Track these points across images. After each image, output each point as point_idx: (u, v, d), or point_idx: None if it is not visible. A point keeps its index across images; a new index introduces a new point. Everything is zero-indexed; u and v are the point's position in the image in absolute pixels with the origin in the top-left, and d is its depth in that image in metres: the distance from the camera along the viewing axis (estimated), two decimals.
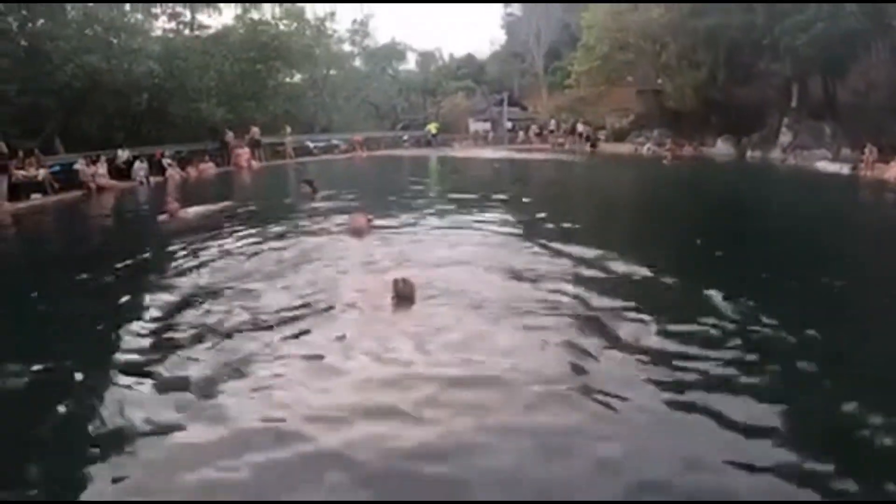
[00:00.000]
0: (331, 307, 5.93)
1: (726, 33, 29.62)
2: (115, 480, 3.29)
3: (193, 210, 12.40)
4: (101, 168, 20.98)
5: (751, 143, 30.64)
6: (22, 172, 17.99)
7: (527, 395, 4.03)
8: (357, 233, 9.04)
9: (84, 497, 3.25)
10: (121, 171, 22.08)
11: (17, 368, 4.75)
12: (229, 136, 27.45)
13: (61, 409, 4.13)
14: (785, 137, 28.51)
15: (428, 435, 3.58)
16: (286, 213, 12.18)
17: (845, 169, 23.18)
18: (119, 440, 3.64)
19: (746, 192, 17.54)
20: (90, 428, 3.82)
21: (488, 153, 33.95)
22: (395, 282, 5.87)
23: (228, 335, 5.23)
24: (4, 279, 8.52)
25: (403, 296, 5.80)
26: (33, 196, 17.87)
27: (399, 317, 5.62)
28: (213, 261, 8.04)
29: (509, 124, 47.14)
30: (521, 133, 45.14)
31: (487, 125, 48.93)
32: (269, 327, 5.47)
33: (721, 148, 32.02)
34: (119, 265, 8.17)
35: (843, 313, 5.95)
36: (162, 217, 11.91)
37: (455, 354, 4.72)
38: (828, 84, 28.37)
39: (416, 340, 4.97)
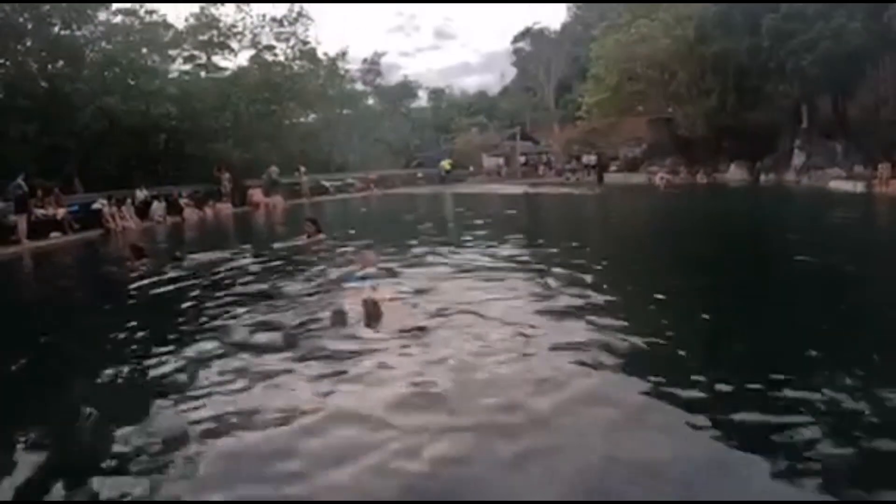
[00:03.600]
0: (302, 327, 6.13)
1: (733, 58, 29.89)
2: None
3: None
4: (127, 210, 21.36)
5: (764, 166, 30.63)
6: (41, 211, 18.34)
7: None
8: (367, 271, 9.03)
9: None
10: (139, 211, 22.40)
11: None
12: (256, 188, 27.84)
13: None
14: (797, 159, 28.52)
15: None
16: (285, 252, 11.93)
17: (859, 187, 23.03)
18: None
19: (754, 220, 16.53)
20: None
21: (501, 188, 34.00)
22: (365, 302, 6.20)
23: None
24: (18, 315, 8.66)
25: (372, 315, 6.10)
26: (52, 234, 18.11)
27: (367, 334, 5.77)
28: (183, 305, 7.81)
29: (522, 158, 47.45)
30: (541, 167, 45.39)
31: (501, 160, 49.25)
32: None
33: (734, 173, 32.05)
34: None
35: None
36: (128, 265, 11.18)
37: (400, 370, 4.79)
38: (837, 102, 28.48)
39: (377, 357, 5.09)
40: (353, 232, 13.97)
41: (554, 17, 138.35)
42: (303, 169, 31.75)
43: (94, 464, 3.56)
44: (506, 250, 10.55)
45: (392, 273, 8.68)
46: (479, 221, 16.82)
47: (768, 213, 18.16)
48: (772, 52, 26.82)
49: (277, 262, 10.74)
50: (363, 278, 8.02)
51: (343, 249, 11.30)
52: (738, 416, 3.73)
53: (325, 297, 7.41)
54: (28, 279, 13.91)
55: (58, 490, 3.35)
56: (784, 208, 19.83)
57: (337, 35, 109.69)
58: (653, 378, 4.34)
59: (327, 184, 34.86)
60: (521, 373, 4.64)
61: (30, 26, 21.90)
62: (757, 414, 3.77)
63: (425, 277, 8.29)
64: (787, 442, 3.43)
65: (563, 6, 72.41)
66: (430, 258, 10.10)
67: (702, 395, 4.08)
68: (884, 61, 25.10)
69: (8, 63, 21.42)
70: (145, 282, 9.54)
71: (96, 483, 3.37)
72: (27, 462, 3.68)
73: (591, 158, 40.51)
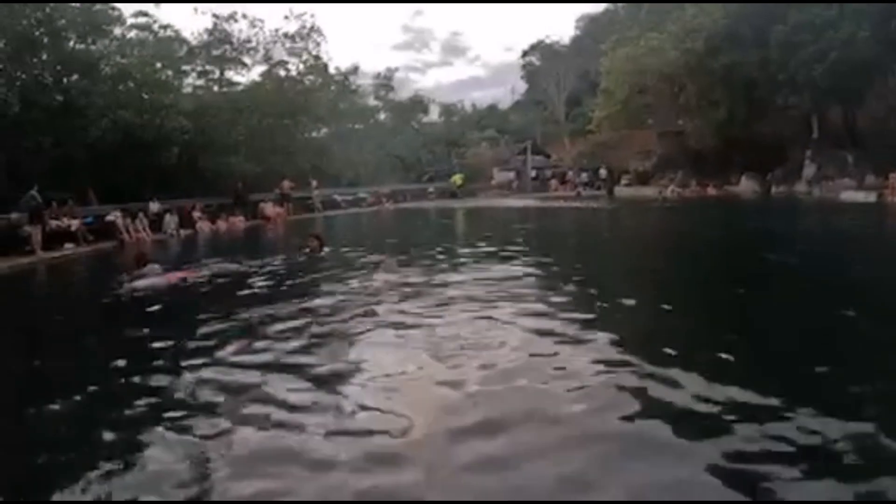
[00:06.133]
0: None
1: (742, 70, 29.94)
2: None
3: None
4: (140, 222, 21.54)
5: (775, 178, 30.57)
6: (55, 222, 18.52)
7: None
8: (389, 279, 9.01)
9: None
10: (152, 224, 22.55)
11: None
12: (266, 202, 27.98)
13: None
14: (808, 170, 28.47)
15: None
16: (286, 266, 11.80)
17: (871, 197, 23.01)
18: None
19: (766, 234, 15.61)
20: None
21: (514, 202, 33.96)
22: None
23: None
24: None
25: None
26: (66, 245, 18.23)
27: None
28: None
29: (533, 172, 47.48)
30: (553, 182, 45.50)
31: (512, 174, 49.26)
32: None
33: (746, 185, 31.97)
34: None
35: None
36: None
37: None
38: (847, 112, 28.45)
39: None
40: (364, 249, 13.79)
41: (563, 31, 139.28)
42: (314, 183, 31.93)
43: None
44: (527, 265, 10.44)
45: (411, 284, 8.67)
46: (494, 235, 16.84)
47: (781, 226, 17.54)
48: (781, 63, 26.87)
49: (275, 275, 10.63)
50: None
51: (354, 262, 11.33)
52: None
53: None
54: (40, 289, 14.01)
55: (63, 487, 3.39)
56: (797, 221, 19.50)
57: (347, 51, 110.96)
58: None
59: (339, 198, 35.04)
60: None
61: (46, 40, 22.23)
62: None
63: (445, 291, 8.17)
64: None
65: (572, 20, 73.38)
66: (447, 271, 10.03)
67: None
68: (893, 70, 25.12)
69: (24, 76, 21.71)
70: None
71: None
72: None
73: (602, 172, 40.68)
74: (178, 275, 10.38)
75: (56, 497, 3.33)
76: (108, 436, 4.00)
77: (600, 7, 61.42)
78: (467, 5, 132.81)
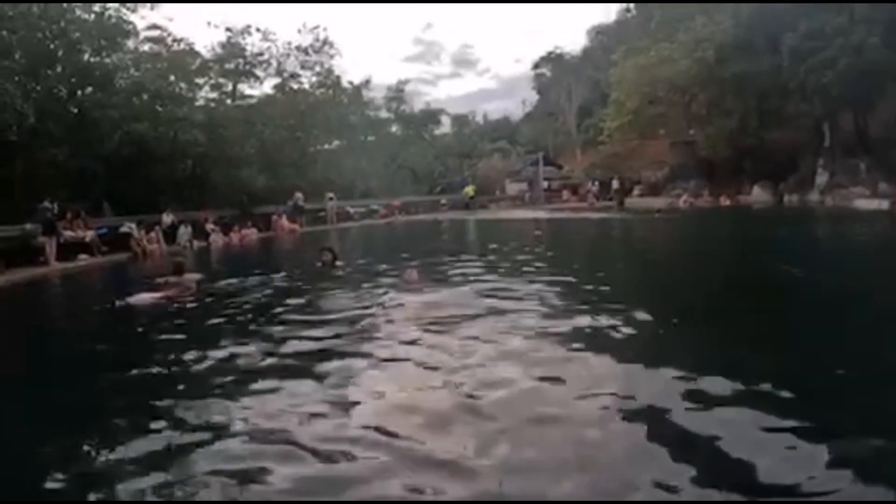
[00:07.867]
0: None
1: (754, 79, 29.87)
2: None
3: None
4: (155, 234, 21.63)
5: (787, 187, 30.40)
6: (70, 233, 18.65)
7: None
8: (410, 288, 8.99)
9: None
10: (165, 236, 22.63)
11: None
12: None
13: None
14: (821, 178, 28.30)
15: None
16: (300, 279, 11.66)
17: (885, 204, 22.85)
18: None
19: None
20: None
21: (526, 213, 33.87)
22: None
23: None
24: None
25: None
26: (80, 256, 18.34)
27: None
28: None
29: (545, 183, 47.45)
30: (565, 193, 45.51)
31: (524, 185, 49.23)
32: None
33: (758, 194, 31.82)
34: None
35: None
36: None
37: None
38: (858, 119, 28.25)
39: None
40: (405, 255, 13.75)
41: (574, 43, 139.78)
42: (329, 195, 32.01)
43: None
44: (545, 276, 10.37)
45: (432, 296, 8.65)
46: (509, 246, 16.86)
47: (795, 236, 17.32)
48: (792, 71, 26.80)
49: (287, 289, 10.53)
50: None
51: (369, 274, 11.31)
52: None
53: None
54: (53, 299, 14.09)
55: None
56: (811, 231, 19.31)
57: (359, 63, 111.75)
58: None
59: (351, 210, 35.15)
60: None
61: (61, 53, 22.40)
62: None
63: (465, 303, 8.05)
64: None
65: (582, 32, 73.72)
66: (467, 282, 9.88)
67: None
68: None
69: (39, 88, 21.85)
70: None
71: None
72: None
73: (613, 183, 40.64)
74: (171, 293, 10.17)
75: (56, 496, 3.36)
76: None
77: (611, 16, 61.44)
78: (477, 17, 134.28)
